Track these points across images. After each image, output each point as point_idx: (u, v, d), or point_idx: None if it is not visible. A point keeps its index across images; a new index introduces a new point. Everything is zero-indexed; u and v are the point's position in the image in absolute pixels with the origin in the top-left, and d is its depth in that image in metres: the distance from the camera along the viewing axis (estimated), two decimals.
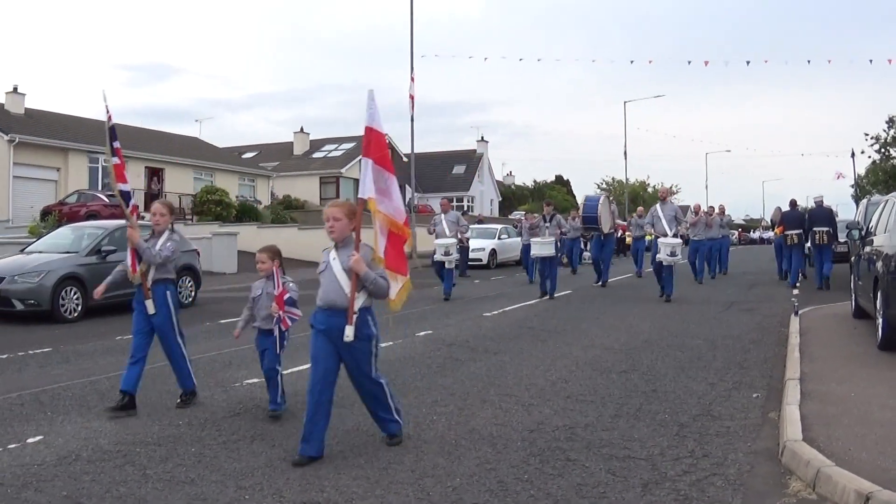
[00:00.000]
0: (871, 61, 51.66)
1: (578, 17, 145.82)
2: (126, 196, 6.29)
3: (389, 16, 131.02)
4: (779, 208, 19.25)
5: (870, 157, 39.52)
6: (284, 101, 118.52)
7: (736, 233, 60.54)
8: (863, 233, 10.00)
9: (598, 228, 17.76)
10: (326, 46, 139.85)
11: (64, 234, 14.22)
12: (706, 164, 77.81)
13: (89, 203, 24.60)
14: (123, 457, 4.84)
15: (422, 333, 10.06)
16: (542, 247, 14.80)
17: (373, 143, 4.90)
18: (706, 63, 74.94)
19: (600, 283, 17.61)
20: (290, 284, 5.90)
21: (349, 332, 4.63)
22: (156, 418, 5.80)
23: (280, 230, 29.45)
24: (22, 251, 13.95)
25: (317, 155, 49.50)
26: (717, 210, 21.52)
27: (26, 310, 11.97)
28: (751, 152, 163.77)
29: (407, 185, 29.08)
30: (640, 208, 24.32)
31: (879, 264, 7.84)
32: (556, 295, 14.83)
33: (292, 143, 51.21)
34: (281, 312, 5.74)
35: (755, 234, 71.35)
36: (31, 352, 9.08)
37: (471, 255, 23.44)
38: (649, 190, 74.52)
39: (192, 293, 14.87)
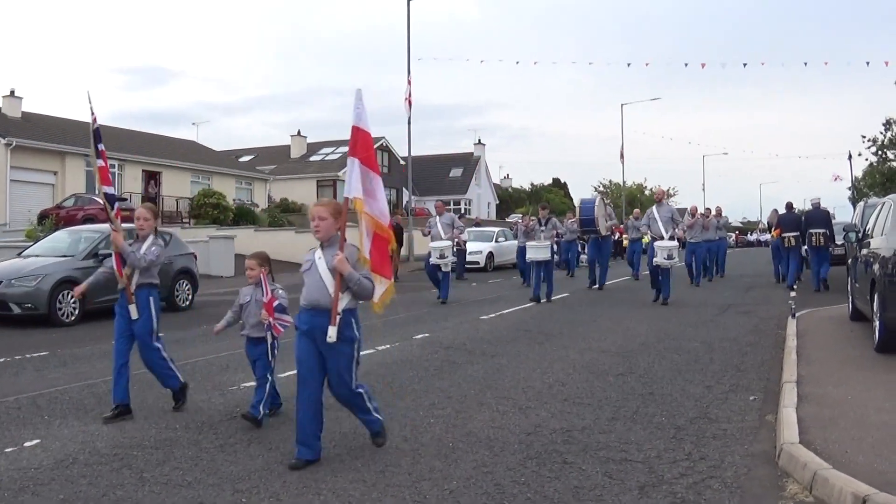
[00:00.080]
0: (868, 63, 51.97)
1: (575, 20, 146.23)
2: (111, 199, 6.19)
3: (387, 19, 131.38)
4: (775, 210, 19.30)
5: (867, 159, 39.60)
6: (281, 105, 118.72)
7: (733, 235, 60.52)
8: (860, 235, 10.01)
9: (596, 231, 17.75)
10: (324, 49, 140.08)
11: (61, 238, 14.22)
12: (703, 166, 77.91)
13: (86, 207, 24.57)
14: (120, 460, 4.84)
15: (419, 336, 10.06)
16: (538, 250, 14.80)
17: (359, 143, 4.84)
18: (703, 65, 74.87)
19: (597, 286, 17.60)
20: (279, 291, 5.83)
21: (332, 333, 4.55)
22: (153, 422, 5.80)
23: (277, 233, 29.45)
24: (19, 255, 13.96)
25: (314, 158, 49.49)
26: (713, 212, 21.51)
27: (23, 313, 11.96)
28: (748, 154, 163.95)
29: (404, 188, 29.09)
30: (636, 210, 24.33)
31: (876, 267, 7.85)
32: (552, 298, 14.85)
33: (289, 146, 51.21)
34: (271, 319, 5.70)
35: (752, 237, 71.36)
36: (27, 355, 9.07)
37: (468, 258, 23.45)
38: (646, 192, 74.54)
39: (189, 297, 14.86)
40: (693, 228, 18.70)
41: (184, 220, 32.22)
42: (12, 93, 31.73)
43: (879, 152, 38.28)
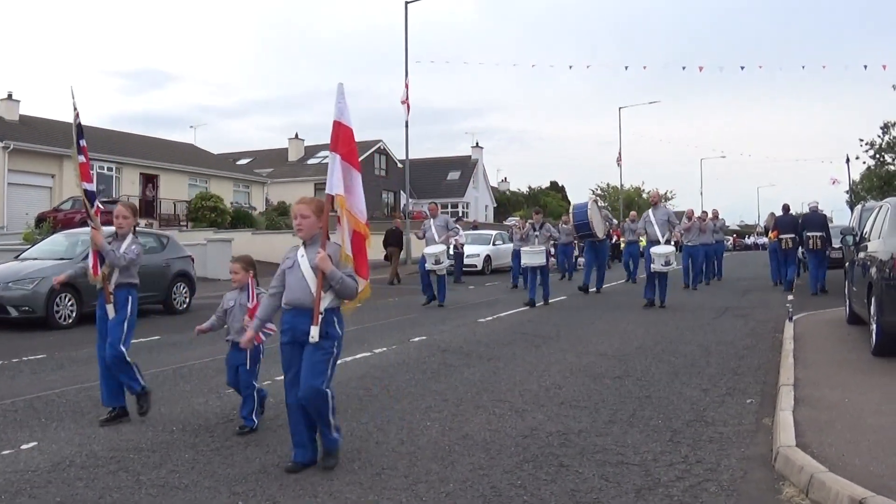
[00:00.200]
0: (865, 67, 52.05)
1: (573, 24, 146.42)
2: (91, 196, 6.10)
3: (385, 22, 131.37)
4: (773, 213, 19.34)
5: (864, 162, 39.54)
6: (279, 108, 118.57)
7: (731, 238, 60.56)
8: (857, 238, 10.04)
9: (594, 234, 17.70)
10: (321, 52, 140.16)
11: (58, 241, 14.20)
12: (701, 169, 77.74)
13: (84, 210, 24.52)
14: (117, 463, 4.83)
15: (416, 339, 10.07)
16: (533, 256, 14.77)
17: (341, 138, 4.79)
18: (701, 69, 74.47)
19: (595, 289, 17.57)
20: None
21: (314, 333, 4.47)
22: (149, 424, 5.79)
23: (275, 236, 29.44)
24: (16, 258, 13.95)
25: (311, 161, 49.48)
26: (710, 215, 21.50)
27: (21, 316, 11.95)
28: (746, 158, 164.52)
29: (402, 191, 29.09)
30: (632, 213, 24.30)
31: (873, 270, 7.87)
32: (549, 301, 14.86)
33: (287, 149, 51.20)
34: None
35: (750, 240, 71.29)
36: (25, 358, 9.06)
37: (466, 262, 23.44)
38: (644, 195, 74.63)
39: (187, 300, 14.86)
40: (690, 232, 18.71)
41: (181, 223, 32.23)
42: (10, 96, 31.79)
43: (877, 156, 38.28)
